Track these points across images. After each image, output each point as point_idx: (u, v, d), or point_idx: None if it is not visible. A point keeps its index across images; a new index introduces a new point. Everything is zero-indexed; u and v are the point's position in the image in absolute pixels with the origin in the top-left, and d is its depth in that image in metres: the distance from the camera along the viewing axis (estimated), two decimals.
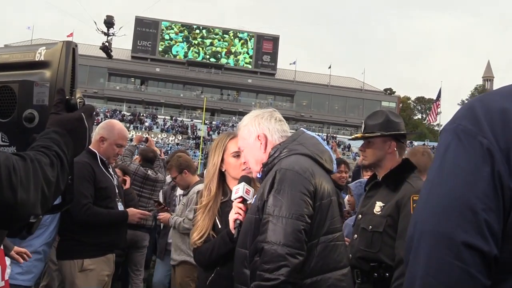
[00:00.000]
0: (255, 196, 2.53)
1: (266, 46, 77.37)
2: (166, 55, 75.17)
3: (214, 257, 2.80)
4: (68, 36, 69.58)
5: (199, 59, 75.82)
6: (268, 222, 2.22)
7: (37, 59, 1.56)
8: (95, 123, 4.91)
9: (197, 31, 77.09)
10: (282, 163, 2.35)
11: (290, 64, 76.31)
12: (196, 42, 76.49)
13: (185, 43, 76.12)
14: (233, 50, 77.03)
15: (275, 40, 78.45)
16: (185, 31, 76.71)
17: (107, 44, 26.43)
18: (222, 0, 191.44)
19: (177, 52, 75.75)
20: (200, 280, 3.05)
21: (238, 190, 2.67)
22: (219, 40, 77.18)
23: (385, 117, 3.18)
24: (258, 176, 2.61)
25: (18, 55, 1.60)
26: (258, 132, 2.56)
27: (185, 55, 75.60)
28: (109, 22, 26.90)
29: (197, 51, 76.18)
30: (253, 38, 77.83)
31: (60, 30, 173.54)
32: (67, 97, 1.51)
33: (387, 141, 3.14)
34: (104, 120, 9.72)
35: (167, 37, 75.82)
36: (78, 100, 1.53)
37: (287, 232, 2.17)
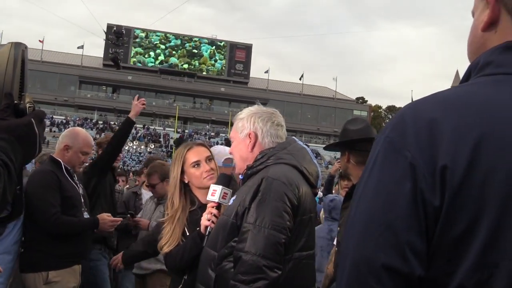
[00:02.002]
0: (233, 198, 2.47)
1: (239, 55, 77.50)
2: (139, 63, 74.63)
3: (185, 260, 2.75)
4: (40, 41, 68.79)
5: (172, 67, 75.47)
6: (248, 231, 2.16)
7: None
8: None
9: (170, 39, 76.77)
10: (269, 172, 2.29)
11: (265, 72, 76.72)
12: (169, 50, 76.13)
13: (158, 50, 75.69)
14: (206, 59, 76.89)
15: (248, 48, 78.67)
16: (158, 39, 76.29)
17: (116, 54, 26.00)
18: (190, 10, 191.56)
19: (149, 60, 75.22)
20: None
21: (214, 192, 2.62)
22: (192, 48, 76.97)
23: (342, 127, 3.12)
24: (240, 177, 2.56)
25: None
26: (250, 130, 2.51)
27: (158, 63, 75.15)
28: (118, 32, 26.54)
29: (170, 59, 75.80)
30: (226, 47, 77.89)
31: (31, 37, 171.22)
32: (15, 101, 1.41)
33: (344, 152, 3.03)
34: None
35: (139, 44, 75.28)
36: (28, 105, 1.43)
37: (267, 244, 2.12)
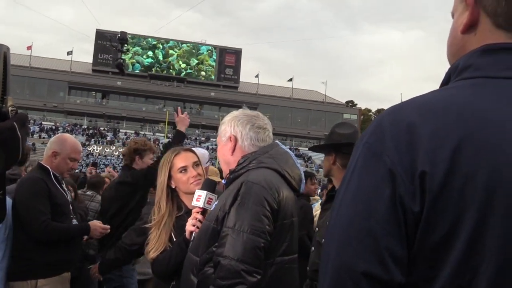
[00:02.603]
0: (215, 203, 2.46)
1: (229, 59, 77.51)
2: (128, 68, 74.44)
3: (171, 266, 2.74)
4: (28, 48, 68.40)
5: (161, 72, 75.31)
6: (227, 236, 2.14)
7: None
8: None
9: (159, 44, 76.63)
10: (249, 176, 2.28)
11: (255, 76, 76.77)
12: (158, 55, 75.99)
13: (147, 56, 75.51)
14: (195, 63, 76.82)
15: (237, 53, 78.71)
16: (147, 44, 76.14)
17: (121, 61, 25.85)
18: (175, 14, 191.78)
19: (139, 65, 75.03)
20: None
21: (199, 198, 2.60)
22: (181, 53, 76.87)
23: (330, 130, 3.18)
24: (223, 182, 2.56)
25: None
26: (231, 134, 2.51)
27: (147, 68, 74.99)
28: (122, 39, 26.37)
29: (159, 64, 75.66)
30: (215, 51, 77.86)
31: (19, 43, 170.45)
32: None
33: (330, 153, 3.09)
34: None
35: (128, 49, 75.10)
36: (10, 109, 1.40)
37: (246, 248, 2.09)
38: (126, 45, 27.74)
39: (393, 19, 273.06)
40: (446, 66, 1.14)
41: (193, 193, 2.76)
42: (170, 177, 3.01)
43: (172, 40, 77.10)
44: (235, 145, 2.49)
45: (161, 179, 3.00)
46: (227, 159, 2.52)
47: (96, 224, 4.22)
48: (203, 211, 2.60)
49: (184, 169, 2.98)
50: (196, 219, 2.59)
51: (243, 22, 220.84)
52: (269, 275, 2.18)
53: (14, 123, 1.36)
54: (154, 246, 2.86)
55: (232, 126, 2.52)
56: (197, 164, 3.03)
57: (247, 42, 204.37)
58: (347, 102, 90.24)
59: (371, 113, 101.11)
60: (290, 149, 2.82)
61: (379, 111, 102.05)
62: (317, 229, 3.17)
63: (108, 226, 4.35)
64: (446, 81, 1.13)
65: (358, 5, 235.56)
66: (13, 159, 1.37)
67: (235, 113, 2.60)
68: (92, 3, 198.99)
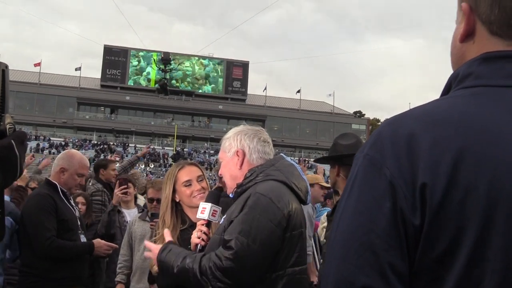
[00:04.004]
0: (223, 217, 2.47)
1: (236, 72, 77.76)
2: (136, 83, 74.85)
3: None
4: (35, 65, 69.00)
5: (169, 86, 75.66)
6: (231, 241, 2.17)
7: None
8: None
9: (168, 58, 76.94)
10: (257, 187, 2.30)
11: (263, 90, 76.97)
12: (166, 69, 76.35)
13: (155, 70, 75.95)
14: (203, 77, 77.13)
15: (244, 66, 78.97)
16: (155, 58, 76.59)
17: (165, 81, 26.19)
18: (177, 28, 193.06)
19: (147, 79, 75.44)
20: None
21: (204, 210, 2.59)
22: (188, 67, 77.22)
23: (333, 141, 3.20)
24: (231, 196, 2.57)
25: None
26: (238, 148, 2.52)
27: (155, 83, 75.36)
28: (166, 59, 26.77)
29: (167, 78, 75.99)
30: (222, 65, 78.18)
31: (27, 60, 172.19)
32: None
33: (334, 165, 3.11)
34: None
35: (136, 64, 75.54)
36: (8, 126, 1.38)
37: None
38: (169, 64, 28.14)
39: (395, 29, 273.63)
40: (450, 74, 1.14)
41: (197, 207, 2.77)
42: (174, 191, 3.03)
43: (179, 54, 77.52)
44: (243, 159, 2.51)
45: (166, 193, 3.02)
46: (234, 174, 2.52)
47: (100, 242, 4.25)
48: (208, 223, 2.60)
49: (188, 183, 3.00)
50: (201, 231, 2.59)
51: (245, 34, 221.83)
52: (281, 287, 2.21)
53: (12, 141, 1.35)
54: None
55: (238, 140, 2.54)
56: (201, 178, 3.06)
57: (250, 53, 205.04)
58: (355, 113, 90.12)
59: (379, 123, 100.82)
60: (299, 160, 2.80)
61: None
62: (324, 240, 3.13)
63: (115, 245, 4.36)
64: (447, 90, 1.12)
65: (359, 15, 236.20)
66: (11, 177, 1.35)
67: (238, 128, 2.63)
68: (95, 19, 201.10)
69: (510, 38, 1.05)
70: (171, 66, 30.71)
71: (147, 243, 2.71)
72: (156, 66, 30.49)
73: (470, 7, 1.09)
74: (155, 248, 2.53)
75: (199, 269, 2.16)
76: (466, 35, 1.10)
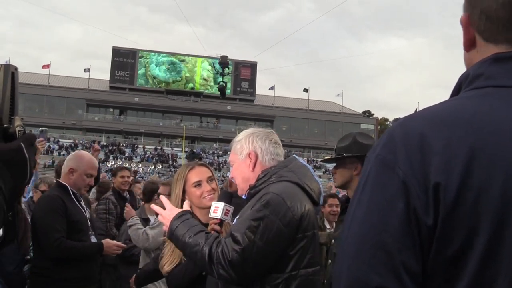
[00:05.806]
0: (237, 217, 2.47)
1: (244, 73, 77.73)
2: (145, 84, 75.05)
3: (187, 279, 2.77)
4: (43, 67, 69.38)
5: (178, 87, 75.79)
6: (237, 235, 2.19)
7: None
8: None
9: (175, 59, 77.15)
10: (271, 188, 2.31)
11: (269, 89, 76.84)
12: (174, 70, 76.49)
13: (163, 71, 76.10)
14: (211, 77, 77.20)
15: (252, 66, 78.92)
16: (163, 59, 76.73)
17: (223, 84, 26.71)
18: (178, 29, 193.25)
19: (155, 81, 75.62)
20: None
21: (217, 209, 2.59)
22: (196, 68, 77.31)
23: (351, 139, 3.19)
24: (244, 197, 2.57)
25: None
26: (250, 150, 2.53)
27: (164, 84, 75.53)
28: (223, 63, 27.19)
29: (176, 79, 76.17)
30: (230, 65, 78.18)
31: (36, 62, 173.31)
32: (5, 125, 1.38)
33: (353, 163, 3.11)
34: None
35: (145, 65, 75.72)
36: (18, 129, 1.39)
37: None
38: (227, 68, 28.57)
39: (396, 27, 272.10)
40: (456, 72, 1.17)
41: (206, 208, 2.78)
42: (184, 191, 3.01)
43: (186, 55, 77.61)
44: (256, 161, 2.51)
45: (176, 193, 3.00)
46: (247, 176, 2.52)
47: (109, 242, 4.27)
48: (220, 223, 2.60)
49: (198, 183, 2.97)
50: (214, 230, 2.59)
51: (246, 34, 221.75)
52: (294, 287, 2.21)
53: (21, 143, 1.33)
54: (169, 259, 2.87)
55: (250, 142, 2.54)
56: (211, 179, 3.04)
57: (252, 53, 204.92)
58: (364, 112, 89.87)
59: (388, 122, 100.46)
60: (308, 160, 2.81)
61: (396, 120, 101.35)
62: (333, 241, 3.14)
63: (123, 245, 4.38)
64: (457, 90, 1.12)
65: (360, 14, 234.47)
66: (21, 180, 1.34)
67: (248, 130, 2.63)
68: (99, 21, 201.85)
69: (503, 43, 1.07)
70: (229, 70, 31.30)
71: (162, 197, 2.68)
72: (214, 70, 31.13)
73: (468, 19, 1.11)
74: (172, 209, 2.51)
75: (208, 252, 2.17)
76: (469, 45, 1.12)
